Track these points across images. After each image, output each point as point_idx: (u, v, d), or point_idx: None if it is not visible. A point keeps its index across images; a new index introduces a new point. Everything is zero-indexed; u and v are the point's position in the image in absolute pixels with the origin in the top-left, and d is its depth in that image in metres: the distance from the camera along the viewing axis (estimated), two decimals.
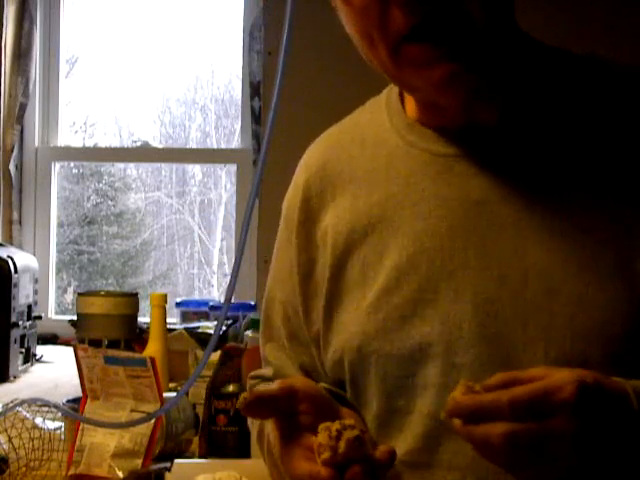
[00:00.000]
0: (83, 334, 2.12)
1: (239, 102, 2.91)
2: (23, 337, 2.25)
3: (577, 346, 0.86)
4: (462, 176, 0.95)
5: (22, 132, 2.89)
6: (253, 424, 1.12)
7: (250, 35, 2.71)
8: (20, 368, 2.23)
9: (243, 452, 1.38)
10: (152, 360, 1.36)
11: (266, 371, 1.13)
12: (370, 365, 0.97)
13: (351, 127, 1.08)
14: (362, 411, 1.01)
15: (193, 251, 3.49)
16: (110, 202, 3.39)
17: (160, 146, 3.26)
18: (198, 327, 2.13)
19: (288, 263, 1.07)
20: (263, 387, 0.91)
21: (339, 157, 1.06)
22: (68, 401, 1.49)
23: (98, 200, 3.36)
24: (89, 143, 3.27)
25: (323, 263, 1.03)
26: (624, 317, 0.86)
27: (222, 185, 3.40)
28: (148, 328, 1.90)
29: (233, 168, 2.95)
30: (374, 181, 1.01)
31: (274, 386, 0.89)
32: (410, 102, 1.02)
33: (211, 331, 2.06)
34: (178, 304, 2.54)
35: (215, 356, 1.47)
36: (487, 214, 0.92)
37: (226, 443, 1.41)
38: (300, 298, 1.06)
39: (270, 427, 0.92)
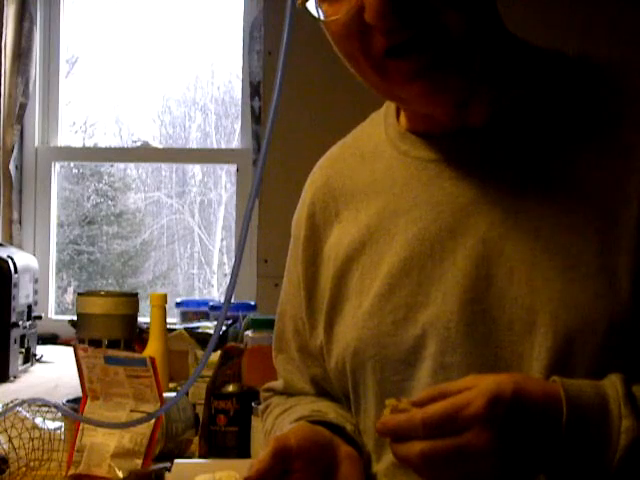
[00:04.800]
0: (83, 334, 2.12)
1: (239, 102, 2.91)
2: (23, 337, 2.25)
3: (560, 344, 0.87)
4: (450, 180, 0.96)
5: (22, 132, 2.89)
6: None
7: (250, 35, 2.71)
8: (20, 368, 2.23)
9: (243, 452, 1.38)
10: (152, 360, 1.35)
11: (277, 384, 1.17)
12: (368, 371, 0.99)
13: (353, 142, 1.10)
14: (362, 419, 1.02)
15: (193, 251, 3.49)
16: (110, 202, 3.39)
17: (160, 146, 3.26)
18: (198, 327, 2.13)
19: (296, 278, 1.10)
20: (256, 461, 0.91)
21: (341, 172, 1.08)
22: (68, 401, 1.48)
23: (98, 200, 3.36)
24: (89, 143, 3.27)
25: (327, 277, 1.05)
26: (607, 314, 0.86)
27: (222, 185, 3.40)
28: (148, 328, 1.90)
29: (233, 168, 2.95)
30: (373, 193, 1.02)
31: (267, 450, 0.91)
32: (403, 112, 1.03)
33: (211, 331, 2.06)
34: (178, 304, 2.54)
35: (215, 356, 1.47)
36: (474, 216, 0.93)
37: (226, 443, 1.40)
38: (306, 312, 1.08)
39: None
